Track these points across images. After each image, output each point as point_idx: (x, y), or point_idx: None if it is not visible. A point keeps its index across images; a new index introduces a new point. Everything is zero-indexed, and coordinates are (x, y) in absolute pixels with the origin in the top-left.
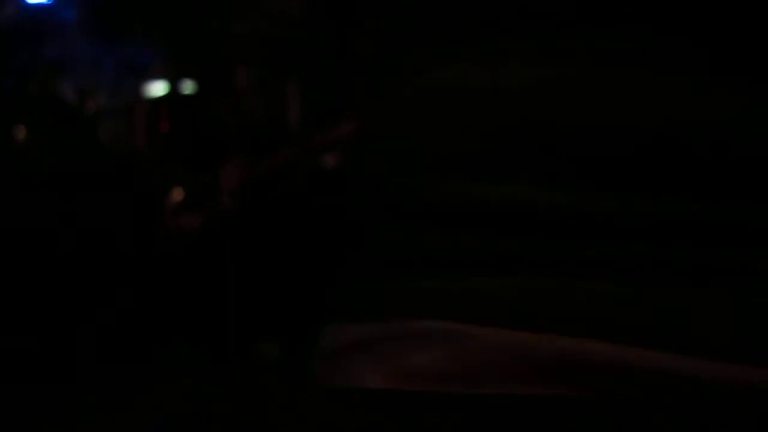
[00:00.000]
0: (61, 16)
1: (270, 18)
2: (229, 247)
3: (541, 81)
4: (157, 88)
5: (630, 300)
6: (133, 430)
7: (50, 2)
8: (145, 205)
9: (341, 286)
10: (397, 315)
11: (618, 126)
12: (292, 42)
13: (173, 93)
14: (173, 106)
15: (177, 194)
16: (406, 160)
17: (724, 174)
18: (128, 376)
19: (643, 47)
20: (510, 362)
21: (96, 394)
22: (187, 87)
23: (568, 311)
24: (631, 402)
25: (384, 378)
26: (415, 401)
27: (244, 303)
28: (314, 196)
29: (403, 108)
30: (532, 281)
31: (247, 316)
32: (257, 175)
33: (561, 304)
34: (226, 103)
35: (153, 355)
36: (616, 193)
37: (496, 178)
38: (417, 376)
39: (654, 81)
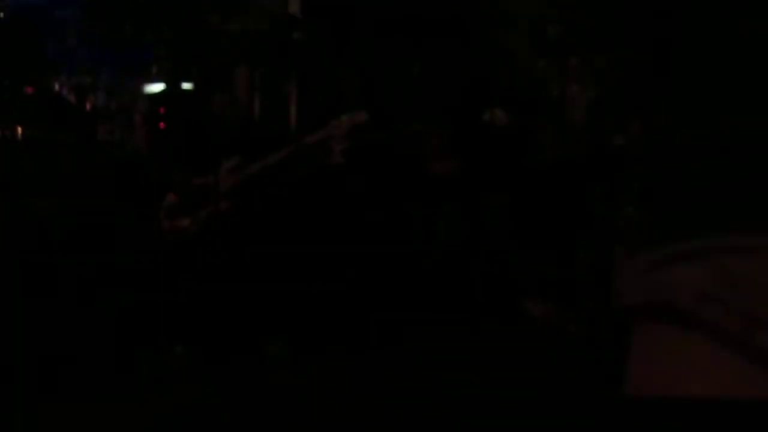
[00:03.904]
0: (60, 16)
1: (270, 18)
2: (225, 247)
3: None
4: (156, 88)
5: None
6: (134, 430)
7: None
8: (141, 205)
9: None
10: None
11: None
12: (292, 42)
13: (171, 92)
14: (171, 105)
15: (171, 197)
16: None
17: None
18: (128, 377)
19: None
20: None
21: (95, 393)
22: (186, 86)
23: None
24: None
25: (648, 292)
26: None
27: (248, 301)
28: (312, 193)
29: None
30: None
31: (252, 314)
32: (252, 174)
33: None
34: (225, 102)
35: (152, 355)
36: None
37: None
38: (679, 290)
39: None
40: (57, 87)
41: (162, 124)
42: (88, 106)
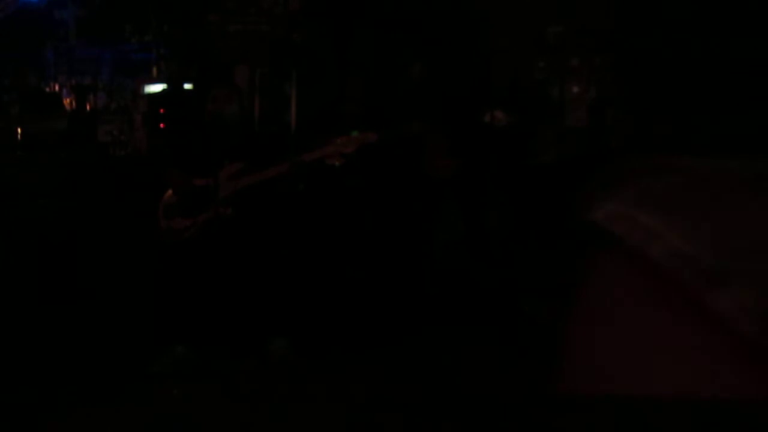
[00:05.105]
0: (60, 16)
1: (269, 18)
2: (225, 248)
3: None
4: (156, 88)
5: None
6: (133, 430)
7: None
8: (140, 205)
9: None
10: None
11: None
12: (292, 42)
13: (171, 92)
14: (171, 105)
15: (170, 196)
16: None
17: None
18: (128, 376)
19: None
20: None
21: (96, 394)
22: (186, 86)
23: None
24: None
25: (627, 201)
26: None
27: (249, 302)
28: (312, 193)
29: None
30: None
31: (253, 314)
32: (254, 182)
33: None
34: (225, 102)
35: (153, 355)
36: None
37: None
38: (652, 200)
39: None
40: (56, 87)
41: (162, 125)
42: (87, 107)
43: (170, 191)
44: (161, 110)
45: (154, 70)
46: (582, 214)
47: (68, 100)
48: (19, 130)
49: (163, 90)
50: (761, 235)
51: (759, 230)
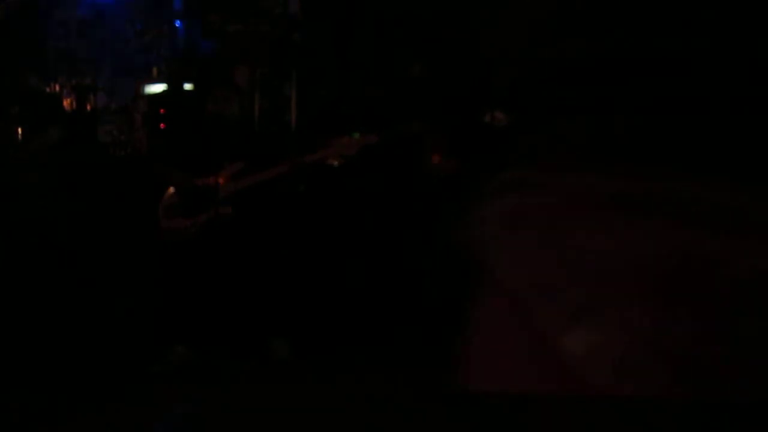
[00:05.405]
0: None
1: (269, 18)
2: (226, 248)
3: None
4: (156, 88)
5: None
6: (133, 430)
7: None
8: (141, 205)
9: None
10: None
11: None
12: (292, 42)
13: (171, 92)
14: (171, 105)
15: (171, 196)
16: None
17: None
18: (128, 376)
19: None
20: (578, 201)
21: (96, 394)
22: (186, 86)
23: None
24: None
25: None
26: None
27: (250, 302)
28: (312, 193)
29: None
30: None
31: (254, 314)
32: (255, 183)
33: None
34: (225, 102)
35: (153, 355)
36: None
37: None
38: (511, 216)
39: None
40: (57, 87)
41: (162, 125)
42: (87, 107)
43: (170, 191)
44: (161, 110)
45: (154, 70)
46: (453, 234)
47: (68, 100)
48: (19, 130)
49: (163, 90)
50: (620, 262)
51: (618, 256)
